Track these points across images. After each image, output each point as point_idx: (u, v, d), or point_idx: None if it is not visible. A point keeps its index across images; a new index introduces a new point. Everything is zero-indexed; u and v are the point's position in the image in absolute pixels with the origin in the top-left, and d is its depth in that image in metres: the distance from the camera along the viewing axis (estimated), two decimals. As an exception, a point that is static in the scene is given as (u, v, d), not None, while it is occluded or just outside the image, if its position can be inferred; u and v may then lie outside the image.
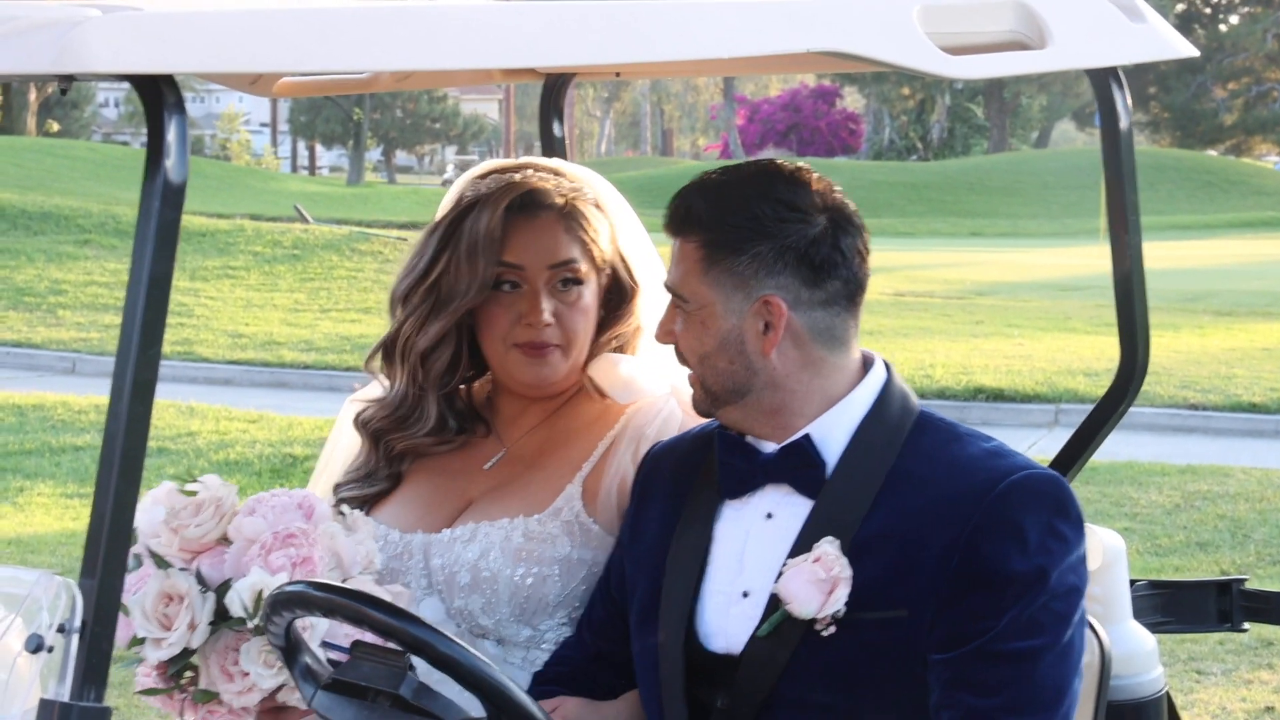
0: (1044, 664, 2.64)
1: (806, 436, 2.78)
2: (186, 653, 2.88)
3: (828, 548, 2.68)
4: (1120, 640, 3.13)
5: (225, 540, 2.94)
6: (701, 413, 2.88)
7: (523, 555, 3.11)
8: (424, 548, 3.17)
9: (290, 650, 2.69)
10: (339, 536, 2.95)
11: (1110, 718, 3.00)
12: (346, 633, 2.84)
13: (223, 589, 2.88)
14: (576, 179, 3.27)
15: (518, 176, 3.23)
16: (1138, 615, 3.32)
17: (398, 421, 3.28)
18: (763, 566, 2.76)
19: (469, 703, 2.61)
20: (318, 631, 2.86)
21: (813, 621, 2.68)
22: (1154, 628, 3.37)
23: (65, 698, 2.24)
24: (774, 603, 2.71)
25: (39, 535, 10.40)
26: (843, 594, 2.66)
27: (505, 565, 3.10)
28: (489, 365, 3.27)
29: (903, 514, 2.71)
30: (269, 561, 2.87)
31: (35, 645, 2.27)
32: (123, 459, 2.25)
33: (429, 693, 2.59)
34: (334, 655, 2.76)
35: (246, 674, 2.86)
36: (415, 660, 2.57)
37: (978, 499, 2.68)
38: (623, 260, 3.26)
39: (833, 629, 2.67)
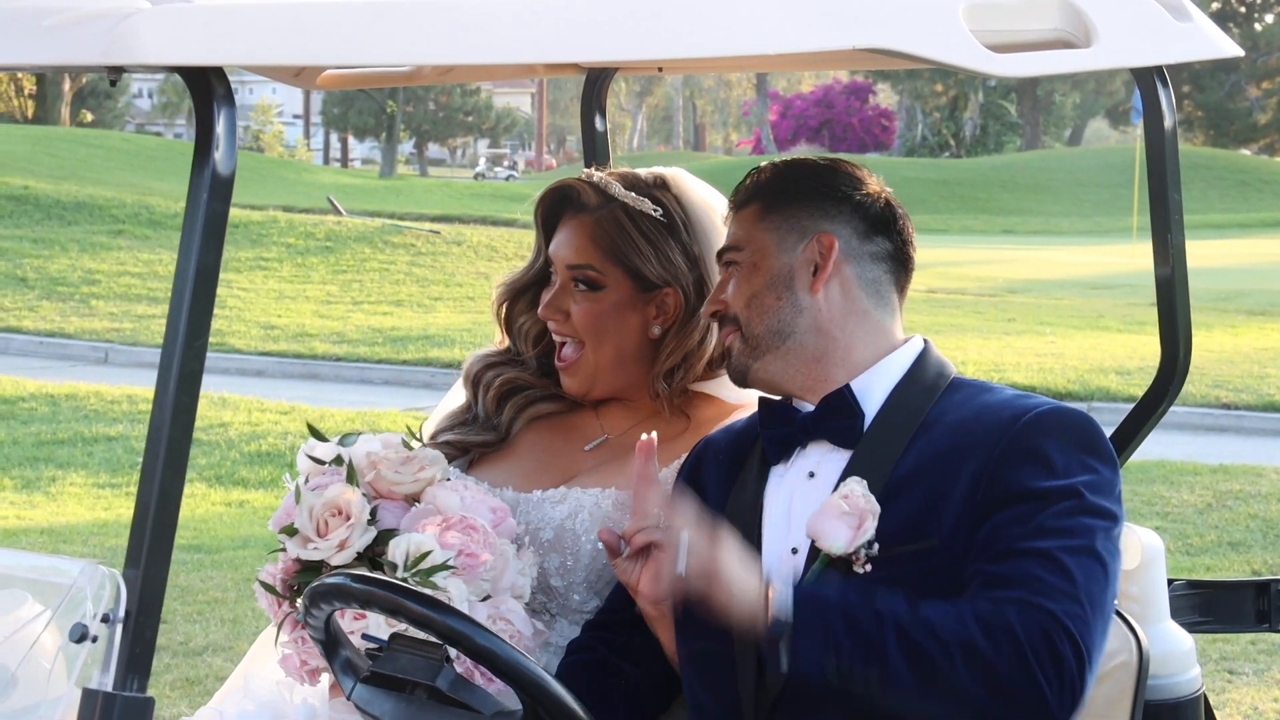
0: (1073, 562, 2.61)
1: (847, 387, 2.84)
2: (321, 566, 2.96)
3: (854, 485, 2.73)
4: (1158, 640, 3.11)
5: (410, 500, 3.06)
6: (740, 369, 2.92)
7: (610, 523, 3.15)
8: (512, 503, 3.21)
9: (330, 643, 2.70)
10: (509, 557, 3.04)
11: (1147, 718, 2.99)
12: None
13: (387, 533, 2.97)
14: (664, 193, 3.31)
15: (581, 175, 3.35)
16: (1175, 615, 3.31)
17: (494, 364, 3.43)
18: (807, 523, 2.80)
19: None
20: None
21: (850, 564, 2.71)
22: (1191, 628, 3.36)
23: (109, 688, 2.25)
24: (814, 552, 2.75)
25: (71, 525, 10.44)
26: (871, 526, 2.70)
27: (591, 528, 3.16)
28: None
29: (933, 454, 2.75)
30: (443, 536, 2.97)
31: (79, 635, 2.27)
32: (168, 450, 2.26)
33: (466, 685, 2.60)
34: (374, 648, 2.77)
35: None
36: None
37: (1004, 430, 2.72)
38: (701, 283, 3.28)
39: (869, 566, 2.70)
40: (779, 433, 2.88)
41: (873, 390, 2.86)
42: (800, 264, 2.88)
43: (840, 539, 2.70)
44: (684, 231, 3.28)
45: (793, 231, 2.90)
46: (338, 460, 3.07)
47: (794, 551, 2.81)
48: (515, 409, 3.39)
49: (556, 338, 3.31)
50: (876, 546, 2.70)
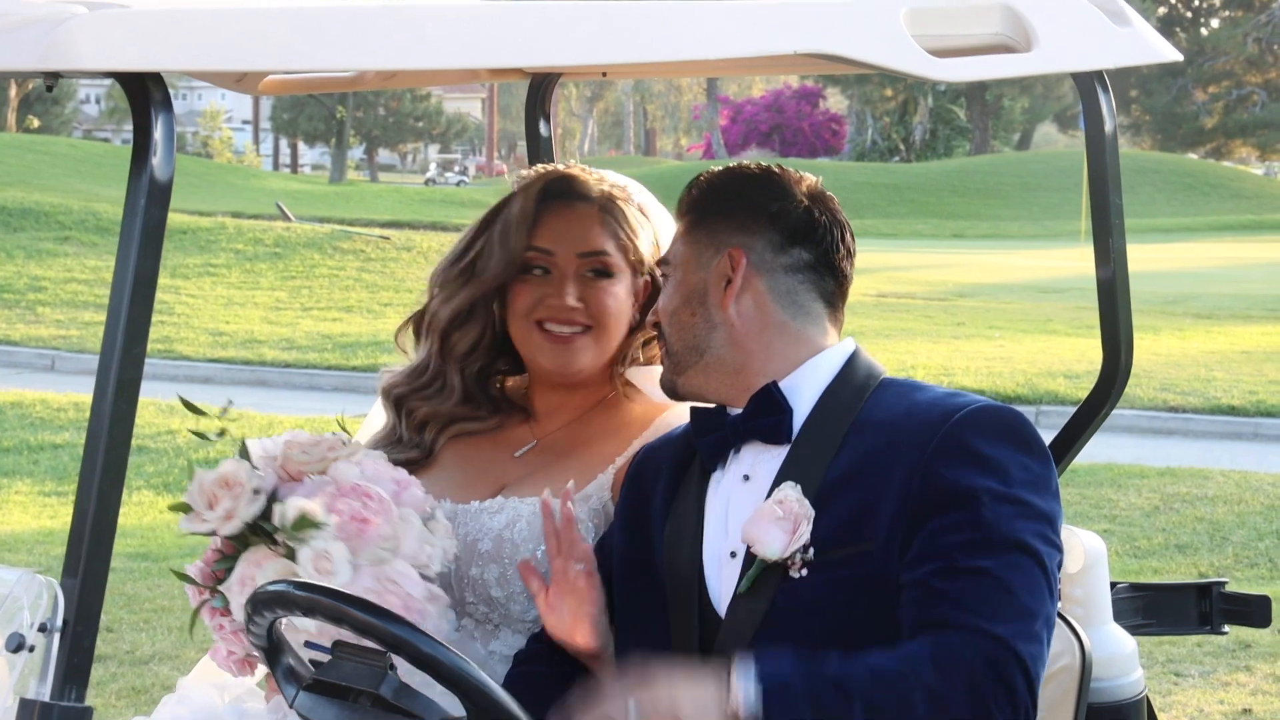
0: (1017, 579, 2.62)
1: (773, 384, 2.85)
2: (227, 558, 2.95)
3: (789, 490, 2.75)
4: (1101, 643, 3.13)
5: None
6: (668, 384, 2.95)
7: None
8: (450, 516, 3.19)
9: (272, 651, 2.69)
10: (412, 525, 2.98)
11: (1090, 720, 3.01)
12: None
13: (274, 499, 2.96)
14: (621, 182, 3.35)
15: (561, 168, 3.33)
16: (1118, 618, 3.32)
17: (418, 389, 3.35)
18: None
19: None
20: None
21: (786, 569, 2.72)
22: (1134, 630, 3.37)
23: (46, 697, 2.24)
24: (749, 558, 2.77)
25: (16, 534, 10.38)
26: (806, 530, 2.71)
27: (529, 539, 3.14)
28: (520, 354, 3.32)
29: (865, 455, 2.76)
30: (335, 503, 2.94)
31: (16, 644, 2.26)
32: (106, 458, 2.25)
33: (409, 692, 2.59)
34: (317, 655, 2.75)
35: None
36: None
37: (935, 428, 2.73)
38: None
39: (804, 571, 2.71)
40: (711, 438, 2.89)
41: (801, 389, 2.86)
42: (713, 279, 2.90)
43: (776, 544, 2.72)
44: (650, 221, 3.31)
45: (709, 246, 2.92)
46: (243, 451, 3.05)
47: (732, 555, 2.82)
48: (437, 428, 3.34)
49: (563, 329, 3.23)
50: (812, 551, 2.71)
